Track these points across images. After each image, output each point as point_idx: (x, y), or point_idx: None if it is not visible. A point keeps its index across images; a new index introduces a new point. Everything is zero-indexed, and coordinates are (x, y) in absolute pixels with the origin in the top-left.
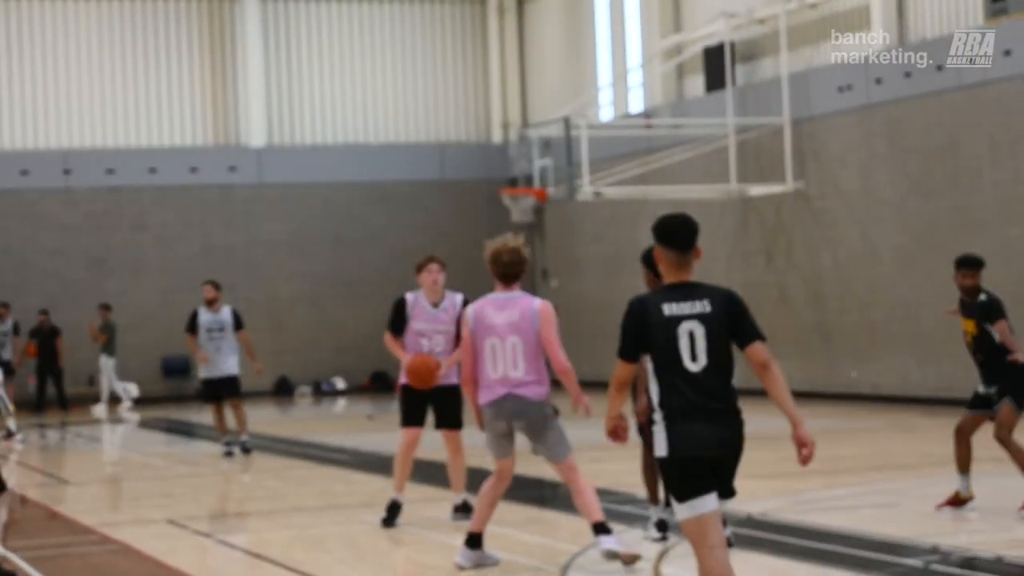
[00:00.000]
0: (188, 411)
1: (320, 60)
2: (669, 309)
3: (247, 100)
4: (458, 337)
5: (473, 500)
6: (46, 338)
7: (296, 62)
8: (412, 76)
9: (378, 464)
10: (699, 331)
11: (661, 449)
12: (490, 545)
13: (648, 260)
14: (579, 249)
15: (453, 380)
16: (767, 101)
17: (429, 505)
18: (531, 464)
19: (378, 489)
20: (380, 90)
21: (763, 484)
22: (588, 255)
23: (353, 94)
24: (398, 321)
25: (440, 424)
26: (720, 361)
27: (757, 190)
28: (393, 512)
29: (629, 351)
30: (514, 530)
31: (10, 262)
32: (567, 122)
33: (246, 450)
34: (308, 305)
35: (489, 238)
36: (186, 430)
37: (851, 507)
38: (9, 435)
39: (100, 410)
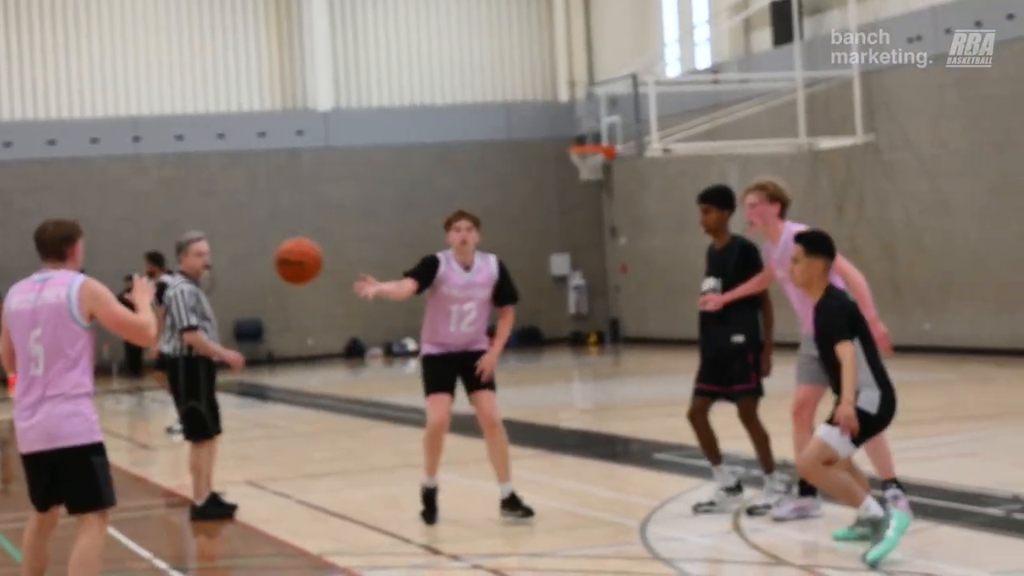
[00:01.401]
0: (261, 374)
1: (386, 21)
2: None
3: (314, 63)
4: (491, 303)
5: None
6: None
7: (362, 24)
8: (477, 35)
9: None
10: None
11: (872, 407)
12: (567, 501)
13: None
14: (647, 206)
15: (482, 345)
16: (835, 53)
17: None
18: (605, 421)
19: (451, 446)
20: (446, 50)
21: None
22: (656, 212)
23: (419, 55)
24: (422, 273)
25: (474, 387)
26: None
27: (827, 143)
28: (430, 502)
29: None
30: (590, 486)
31: (83, 229)
32: (634, 79)
33: None
34: (376, 267)
35: (557, 197)
36: (259, 393)
37: (929, 458)
38: None
39: None
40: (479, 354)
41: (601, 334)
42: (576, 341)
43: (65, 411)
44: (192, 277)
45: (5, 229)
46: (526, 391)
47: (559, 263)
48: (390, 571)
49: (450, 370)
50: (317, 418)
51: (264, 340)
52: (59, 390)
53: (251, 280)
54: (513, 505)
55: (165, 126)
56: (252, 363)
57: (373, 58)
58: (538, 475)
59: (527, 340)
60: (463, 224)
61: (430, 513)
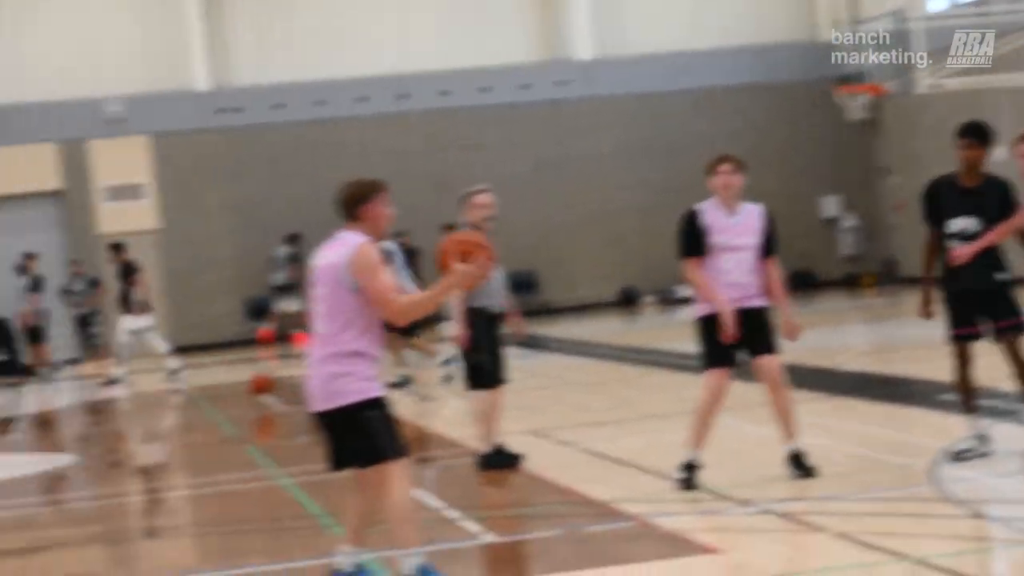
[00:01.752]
0: (536, 325)
1: None
2: None
3: (575, 13)
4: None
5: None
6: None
7: None
8: None
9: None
10: None
11: None
12: (851, 443)
13: None
14: (918, 144)
15: (759, 301)
16: None
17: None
18: (884, 362)
19: (734, 391)
20: None
21: None
22: (928, 150)
23: (677, 0)
24: (693, 240)
25: (756, 351)
26: None
27: None
28: (692, 473)
29: None
30: (874, 427)
31: None
32: (899, 14)
33: None
34: (642, 215)
35: (822, 139)
36: (535, 343)
37: None
38: (112, 382)
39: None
40: (758, 312)
41: (877, 275)
42: (851, 283)
43: (336, 371)
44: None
45: (274, 190)
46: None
47: (829, 205)
48: (680, 517)
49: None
50: (593, 367)
51: (538, 291)
52: (334, 349)
53: (520, 232)
54: (796, 463)
55: (430, 82)
56: (527, 314)
57: (632, 5)
58: (819, 418)
59: (800, 283)
60: (725, 167)
61: (690, 480)
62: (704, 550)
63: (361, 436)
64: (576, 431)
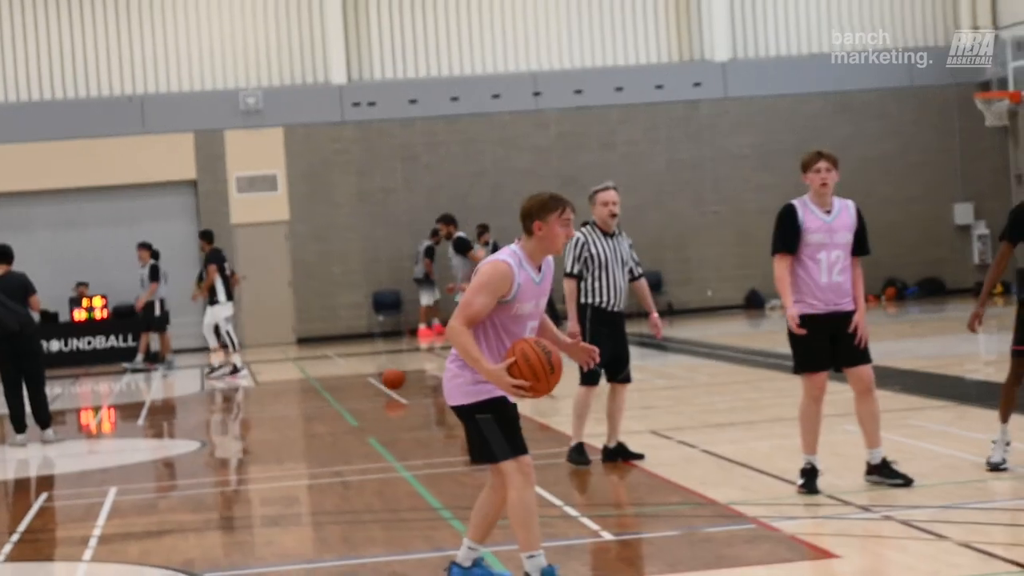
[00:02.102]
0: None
1: None
2: None
3: (711, 14)
4: (853, 250)
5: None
6: None
7: None
8: None
9: None
10: None
11: None
12: (976, 452)
13: None
14: None
15: (851, 305)
16: None
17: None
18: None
19: (850, 399)
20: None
21: None
22: None
23: (815, 2)
24: (790, 235)
25: (849, 362)
26: None
27: None
28: (811, 477)
29: None
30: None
31: (485, 184)
32: None
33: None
34: (773, 218)
35: (959, 145)
36: (660, 344)
37: None
38: (235, 371)
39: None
40: (849, 315)
41: (1007, 284)
42: (980, 291)
43: (454, 371)
44: (600, 226)
45: (410, 185)
46: (929, 341)
47: (962, 212)
48: (800, 521)
49: (823, 336)
50: (718, 369)
51: (664, 291)
52: (454, 353)
53: (650, 231)
54: (885, 472)
55: (564, 80)
56: (642, 315)
57: (771, 6)
58: (944, 426)
59: (929, 290)
60: (823, 165)
61: (809, 484)
62: (824, 554)
63: (473, 437)
64: (699, 432)
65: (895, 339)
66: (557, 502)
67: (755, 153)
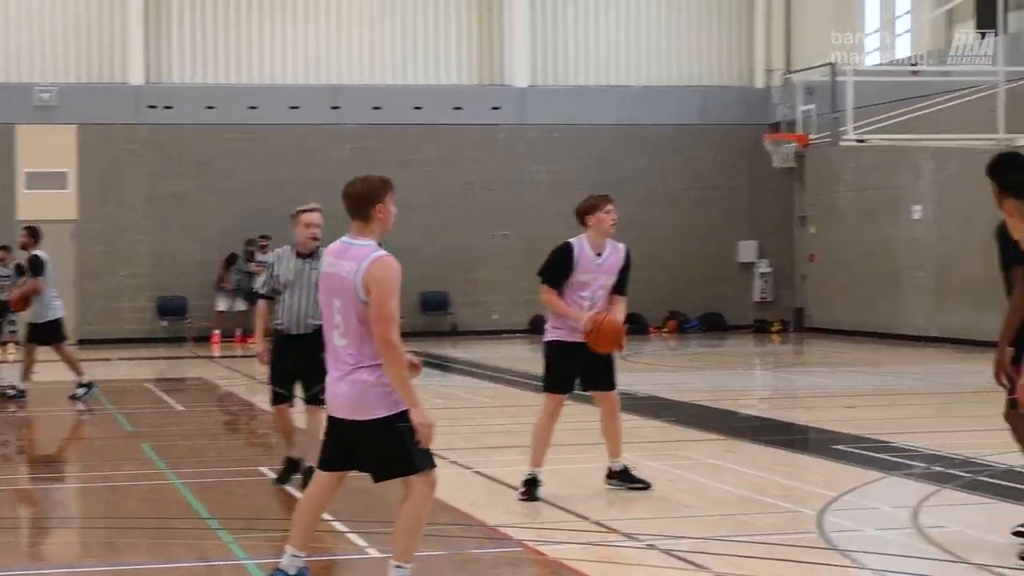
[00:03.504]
0: (444, 346)
1: (586, 1)
2: None
3: (512, 40)
4: (614, 289)
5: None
6: None
7: (562, 3)
8: (676, 18)
9: (630, 404)
10: None
11: None
12: (743, 486)
13: None
14: (838, 196)
15: None
16: None
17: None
18: (783, 409)
19: (635, 430)
20: (644, 32)
21: None
22: (847, 202)
23: (616, 35)
24: (559, 273)
25: (597, 387)
26: None
27: None
28: (532, 487)
29: None
30: (766, 472)
31: (279, 195)
32: (832, 68)
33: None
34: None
35: (747, 184)
36: (442, 364)
37: None
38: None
39: None
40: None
41: (785, 322)
42: (759, 329)
43: (367, 383)
44: (298, 247)
45: (203, 192)
46: (707, 375)
47: (746, 250)
48: (565, 546)
49: (574, 363)
50: (498, 391)
51: (450, 312)
52: (362, 362)
53: (441, 252)
54: (625, 477)
55: (364, 96)
56: (437, 335)
57: (571, 36)
58: (714, 459)
59: (711, 325)
60: (612, 208)
61: (531, 493)
62: None
63: (395, 447)
64: (474, 453)
65: (673, 371)
66: (326, 516)
67: (548, 180)
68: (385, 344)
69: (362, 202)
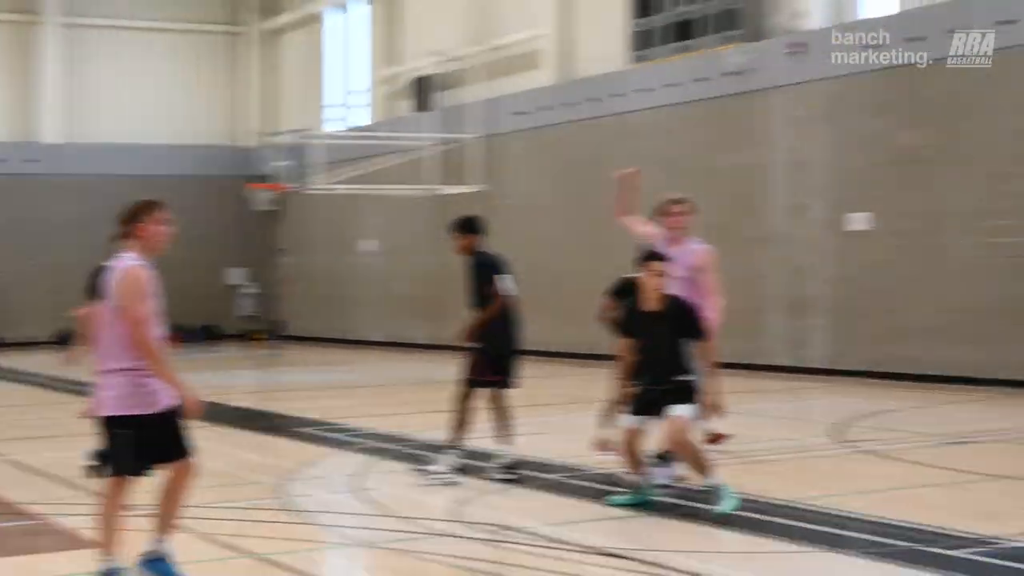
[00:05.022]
0: None
1: (109, 66)
2: None
3: (46, 98)
4: None
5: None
6: None
7: (91, 66)
8: (183, 90)
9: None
10: None
11: None
12: (227, 463)
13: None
14: (311, 232)
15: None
16: (463, 120)
17: None
18: (264, 401)
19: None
20: (159, 95)
21: None
22: (318, 236)
23: (132, 98)
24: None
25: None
26: None
27: (451, 190)
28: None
29: None
30: (246, 452)
31: None
32: (301, 132)
33: None
34: (66, 271)
35: (236, 222)
36: None
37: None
38: None
39: None
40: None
41: (268, 332)
42: (246, 337)
43: (126, 383)
44: None
45: None
46: (203, 375)
47: (234, 274)
48: (78, 518)
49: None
50: (26, 392)
51: None
52: (112, 365)
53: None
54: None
55: None
56: None
57: (97, 97)
58: (204, 442)
59: (207, 335)
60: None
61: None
62: (93, 545)
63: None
64: (7, 444)
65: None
66: None
67: (76, 222)
68: (148, 344)
69: (124, 221)
